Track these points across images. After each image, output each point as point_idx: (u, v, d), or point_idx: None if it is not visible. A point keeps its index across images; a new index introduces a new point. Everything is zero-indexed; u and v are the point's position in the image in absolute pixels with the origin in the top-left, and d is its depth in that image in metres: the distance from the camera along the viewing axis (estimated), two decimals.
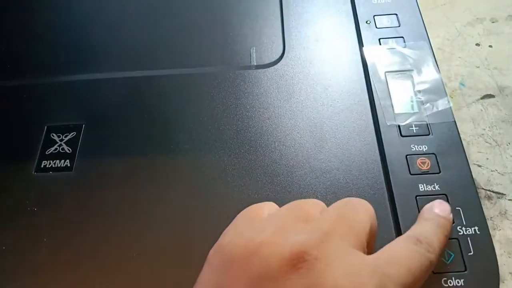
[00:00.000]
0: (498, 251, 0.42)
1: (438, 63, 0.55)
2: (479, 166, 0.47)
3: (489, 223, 0.44)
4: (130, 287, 0.25)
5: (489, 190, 0.46)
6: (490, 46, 0.56)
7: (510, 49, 0.55)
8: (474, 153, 0.49)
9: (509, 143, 0.48)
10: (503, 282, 0.41)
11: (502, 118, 0.50)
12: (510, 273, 0.41)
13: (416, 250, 0.19)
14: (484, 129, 0.50)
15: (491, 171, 0.47)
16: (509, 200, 0.45)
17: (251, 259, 0.18)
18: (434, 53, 0.56)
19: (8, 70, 0.34)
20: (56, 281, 0.25)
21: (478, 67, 0.54)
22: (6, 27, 0.36)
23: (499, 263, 0.41)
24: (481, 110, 0.51)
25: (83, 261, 0.25)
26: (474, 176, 0.46)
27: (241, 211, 0.23)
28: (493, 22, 0.59)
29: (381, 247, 0.21)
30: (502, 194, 0.46)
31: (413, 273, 0.18)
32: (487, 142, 0.49)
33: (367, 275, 0.17)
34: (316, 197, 0.26)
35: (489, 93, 0.52)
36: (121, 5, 0.37)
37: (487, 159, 0.48)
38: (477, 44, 0.57)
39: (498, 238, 0.43)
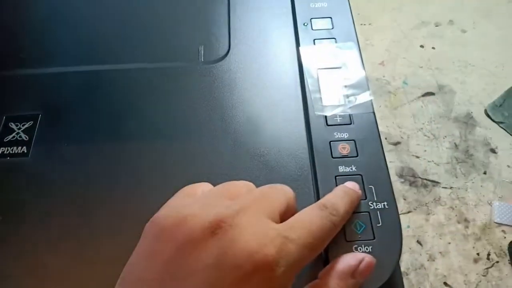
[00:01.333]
0: (430, 233, 0.47)
1: (385, 64, 0.60)
2: (417, 157, 0.52)
3: (424, 208, 0.48)
4: (84, 267, 0.27)
5: (425, 179, 0.50)
6: (433, 48, 0.61)
7: (451, 51, 0.60)
8: (413, 145, 0.53)
9: (445, 137, 0.53)
10: (434, 260, 0.45)
11: (440, 113, 0.55)
12: (439, 252, 0.45)
13: (320, 214, 0.23)
14: (423, 124, 0.54)
15: (428, 161, 0.51)
16: (443, 188, 0.50)
17: (179, 228, 0.21)
18: (382, 54, 0.61)
19: None
20: (10, 260, 0.27)
21: (421, 67, 0.59)
22: None
23: (431, 245, 0.46)
24: (421, 107, 0.55)
25: (37, 239, 0.28)
26: (412, 167, 0.50)
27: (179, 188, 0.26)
28: (436, 26, 0.64)
29: None
30: (437, 182, 0.50)
31: (313, 234, 0.22)
32: (425, 135, 0.53)
33: (271, 238, 0.21)
34: (251, 178, 0.29)
35: (430, 91, 0.57)
36: (75, 3, 0.39)
37: (425, 151, 0.52)
38: (421, 46, 0.61)
39: (431, 222, 0.48)
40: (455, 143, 0.50)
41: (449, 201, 0.48)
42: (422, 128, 0.52)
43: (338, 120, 0.32)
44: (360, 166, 0.30)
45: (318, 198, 0.28)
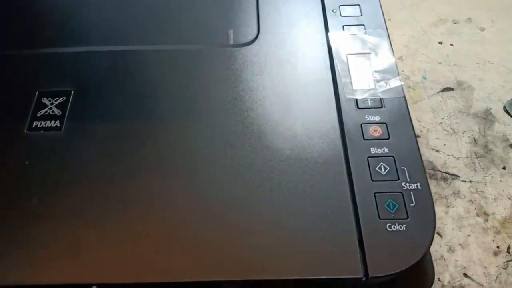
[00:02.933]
0: (450, 226, 0.46)
1: (404, 59, 0.60)
2: (437, 151, 0.52)
3: (443, 201, 0.48)
4: (115, 238, 0.27)
5: (445, 172, 0.50)
6: (452, 44, 0.61)
7: (469, 48, 0.60)
8: (433, 139, 0.53)
9: (465, 131, 0.52)
10: (453, 252, 0.45)
11: (460, 109, 0.55)
12: (459, 244, 0.45)
13: None
14: (443, 118, 0.54)
15: (448, 155, 0.51)
16: (462, 181, 0.49)
17: None
18: (400, 50, 0.61)
19: (6, 41, 0.36)
20: (45, 228, 0.27)
21: (440, 63, 0.59)
22: (4, 3, 0.39)
23: (451, 237, 0.46)
24: (441, 102, 0.55)
25: (70, 207, 0.28)
26: (431, 160, 0.50)
27: (213, 165, 0.26)
28: (454, 24, 0.64)
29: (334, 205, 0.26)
30: (457, 176, 0.50)
31: None
32: (445, 130, 0.53)
33: None
34: (282, 158, 0.30)
35: (448, 86, 0.57)
36: None
37: (444, 144, 0.52)
38: (440, 43, 0.61)
39: (451, 214, 0.47)
40: (474, 138, 0.50)
41: (468, 194, 0.48)
42: (441, 123, 0.52)
43: (369, 104, 0.32)
44: (392, 148, 0.30)
45: (350, 179, 0.29)
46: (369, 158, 0.29)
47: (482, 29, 0.62)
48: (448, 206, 0.47)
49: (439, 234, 0.45)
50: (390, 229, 0.27)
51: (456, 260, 0.44)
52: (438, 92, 0.55)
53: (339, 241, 0.26)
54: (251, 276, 0.25)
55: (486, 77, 0.57)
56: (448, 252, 0.45)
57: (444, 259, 0.44)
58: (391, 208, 0.27)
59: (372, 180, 0.28)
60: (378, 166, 0.29)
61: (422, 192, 0.28)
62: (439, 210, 0.47)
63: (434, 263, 0.44)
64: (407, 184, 0.28)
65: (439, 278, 0.44)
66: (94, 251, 0.27)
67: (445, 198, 0.48)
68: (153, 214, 0.28)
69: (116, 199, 0.28)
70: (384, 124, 0.31)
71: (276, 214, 0.27)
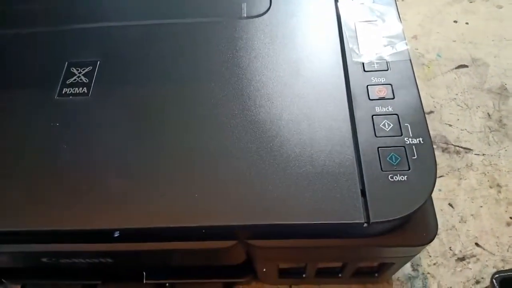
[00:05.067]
0: (462, 197, 0.47)
1: (418, 37, 0.60)
2: (450, 125, 0.52)
3: (456, 173, 0.49)
4: (130, 186, 0.29)
5: (458, 146, 0.51)
6: (467, 23, 0.61)
7: (485, 26, 0.60)
8: (446, 114, 0.53)
9: (479, 107, 0.53)
10: (465, 222, 0.45)
11: (474, 85, 0.55)
12: (471, 215, 0.46)
13: None
14: (457, 94, 0.54)
15: (461, 130, 0.51)
16: (475, 154, 0.50)
17: None
18: (415, 29, 0.62)
19: (38, 18, 0.40)
20: (72, 180, 0.30)
21: (455, 41, 0.59)
22: None
23: (462, 208, 0.46)
24: (455, 78, 0.55)
25: (96, 163, 0.30)
26: (444, 134, 0.51)
27: (227, 123, 0.29)
28: (470, 2, 0.64)
29: (338, 157, 0.27)
30: (470, 149, 0.50)
31: None
32: (458, 105, 0.53)
33: None
34: (292, 116, 0.31)
35: (463, 63, 0.57)
36: None
37: (458, 119, 0.52)
38: (455, 21, 0.61)
39: (463, 186, 0.48)
40: (488, 113, 0.50)
41: (481, 167, 0.48)
42: (455, 98, 0.52)
43: (375, 67, 0.33)
44: (396, 107, 0.31)
45: (355, 135, 0.30)
46: (373, 116, 0.31)
47: (500, 7, 0.62)
48: (460, 178, 0.48)
49: (451, 205, 0.46)
50: (392, 179, 0.28)
51: (467, 230, 0.45)
52: (452, 69, 0.56)
53: (343, 191, 0.28)
54: (262, 221, 0.27)
55: (502, 54, 0.56)
56: (460, 222, 0.45)
57: (456, 229, 0.45)
58: (394, 160, 0.29)
59: (376, 136, 0.30)
60: (382, 123, 0.30)
61: (424, 146, 0.29)
62: (451, 182, 0.48)
63: (445, 233, 0.45)
64: (410, 139, 0.29)
65: (450, 247, 0.44)
66: (118, 199, 0.29)
67: (458, 170, 0.48)
68: (172, 165, 0.30)
69: (137, 152, 0.31)
70: (389, 85, 0.32)
71: (285, 165, 0.29)
